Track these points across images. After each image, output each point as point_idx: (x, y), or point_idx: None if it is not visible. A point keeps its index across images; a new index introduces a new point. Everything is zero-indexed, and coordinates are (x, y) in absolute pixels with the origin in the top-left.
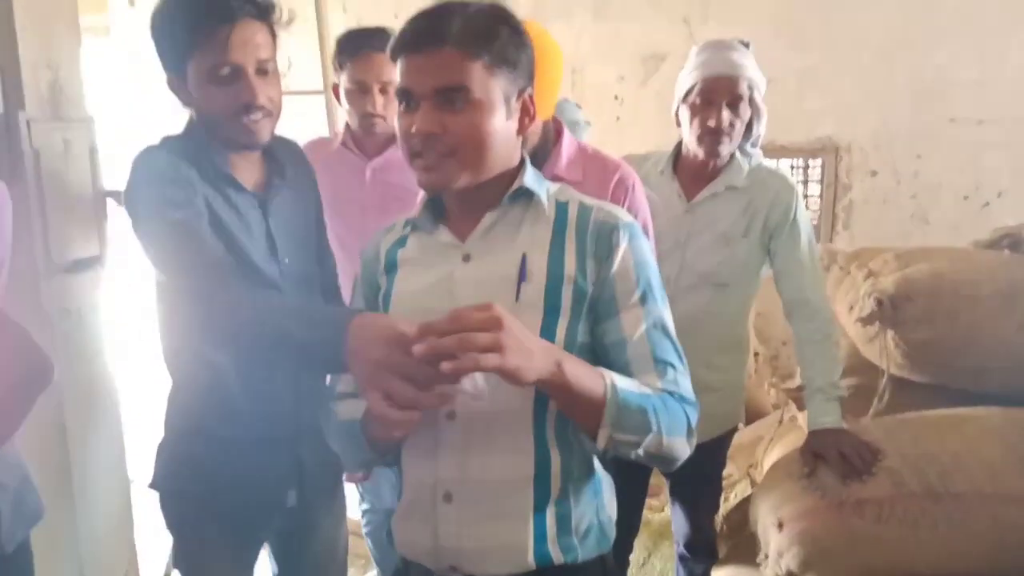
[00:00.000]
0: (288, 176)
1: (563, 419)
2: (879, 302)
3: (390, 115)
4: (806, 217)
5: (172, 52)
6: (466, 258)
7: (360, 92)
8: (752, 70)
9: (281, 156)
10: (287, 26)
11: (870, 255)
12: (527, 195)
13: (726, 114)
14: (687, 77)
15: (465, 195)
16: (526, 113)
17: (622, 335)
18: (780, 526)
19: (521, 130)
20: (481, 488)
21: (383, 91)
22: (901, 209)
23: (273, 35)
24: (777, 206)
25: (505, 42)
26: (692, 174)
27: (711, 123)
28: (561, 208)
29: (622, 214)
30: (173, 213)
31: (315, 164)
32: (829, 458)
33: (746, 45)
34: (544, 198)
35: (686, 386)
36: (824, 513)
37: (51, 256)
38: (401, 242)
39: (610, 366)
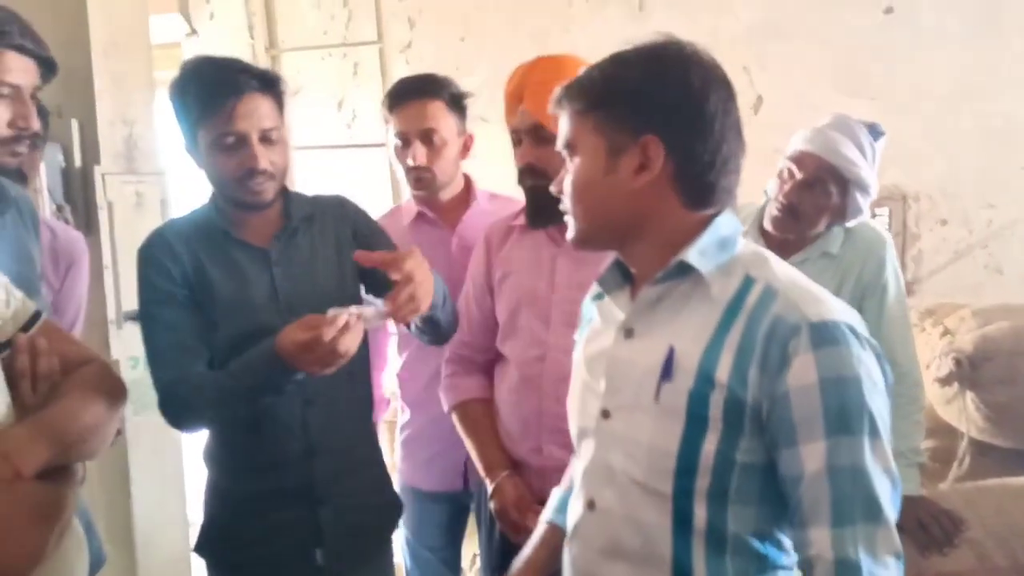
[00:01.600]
0: (299, 229)
1: (716, 541)
2: (957, 362)
3: (441, 165)
4: (898, 272)
5: (186, 121)
6: (628, 333)
7: (402, 146)
8: (854, 163)
9: (293, 210)
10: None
11: (946, 311)
12: (691, 269)
13: (801, 194)
14: (791, 142)
15: (627, 258)
16: (643, 163)
17: (798, 469)
18: None
19: (637, 181)
20: None
21: (425, 140)
22: (973, 259)
23: (279, 104)
24: (870, 262)
25: (614, 90)
26: (781, 237)
27: (782, 197)
28: (744, 287)
29: (815, 310)
30: (145, 308)
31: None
32: (907, 528)
33: (875, 132)
34: (711, 273)
35: (870, 551)
36: None
37: (122, 305)
38: (599, 296)
39: (786, 499)
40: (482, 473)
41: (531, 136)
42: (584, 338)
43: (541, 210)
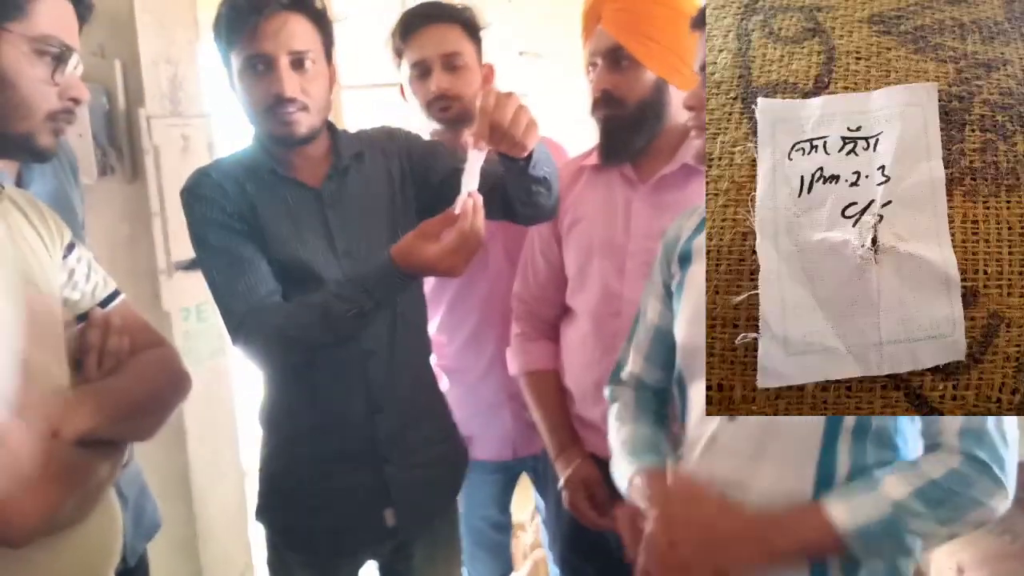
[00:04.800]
0: (351, 168)
1: (860, 432)
2: None
3: (468, 94)
4: None
5: (222, 52)
6: None
7: (420, 77)
8: None
9: (342, 148)
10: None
11: None
12: None
13: None
14: None
15: None
16: None
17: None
18: (960, 572)
19: None
20: (752, 495)
21: (447, 66)
22: None
23: (319, 27)
24: None
25: None
26: None
27: None
28: None
29: None
30: (204, 243)
31: None
32: (1019, 497)
33: None
34: None
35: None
36: (1012, 561)
37: (171, 254)
38: (700, 227)
39: None
40: (552, 453)
41: (608, 59)
42: (689, 275)
43: (616, 144)
